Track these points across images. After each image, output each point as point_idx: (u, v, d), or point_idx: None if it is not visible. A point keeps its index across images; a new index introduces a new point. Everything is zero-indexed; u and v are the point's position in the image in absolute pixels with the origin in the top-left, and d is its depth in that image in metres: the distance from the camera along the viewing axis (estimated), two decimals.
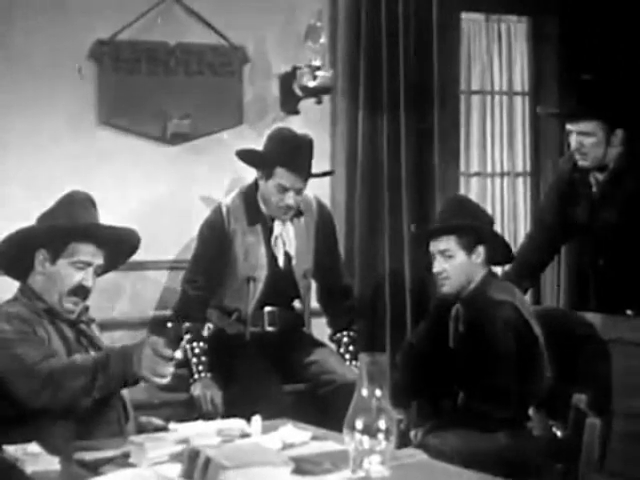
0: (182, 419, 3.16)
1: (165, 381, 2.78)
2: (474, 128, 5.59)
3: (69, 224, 3.11)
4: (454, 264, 3.79)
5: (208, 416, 3.94)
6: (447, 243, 3.80)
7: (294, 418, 3.07)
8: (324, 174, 4.49)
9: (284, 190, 4.19)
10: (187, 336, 2.79)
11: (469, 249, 3.79)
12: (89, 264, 3.11)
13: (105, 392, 2.84)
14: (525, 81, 5.70)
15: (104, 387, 2.82)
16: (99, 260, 3.14)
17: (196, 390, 4.17)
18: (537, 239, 4.57)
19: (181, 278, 4.37)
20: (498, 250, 3.88)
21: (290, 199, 4.20)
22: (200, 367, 4.18)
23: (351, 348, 4.38)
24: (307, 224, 4.39)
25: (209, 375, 4.19)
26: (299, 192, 4.23)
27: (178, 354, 2.77)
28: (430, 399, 3.92)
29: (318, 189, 4.54)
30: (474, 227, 3.83)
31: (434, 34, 5.05)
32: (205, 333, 2.81)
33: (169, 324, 2.81)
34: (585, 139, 4.22)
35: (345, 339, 4.41)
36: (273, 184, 4.20)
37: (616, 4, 5.27)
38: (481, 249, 3.81)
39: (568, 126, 4.30)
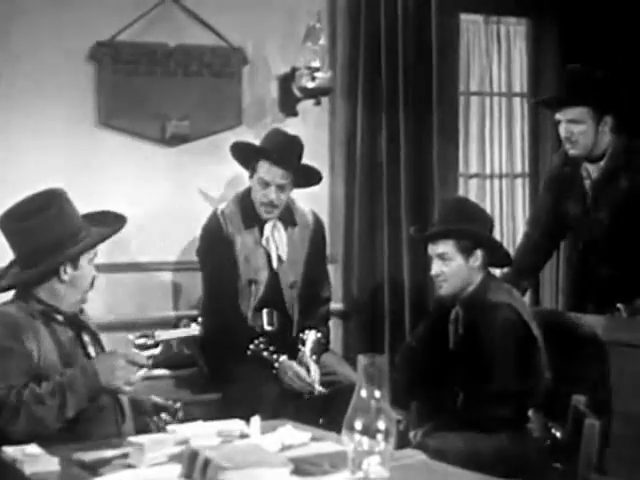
0: (182, 420, 3.17)
1: (131, 389, 2.98)
2: (473, 129, 5.59)
3: (98, 239, 3.16)
4: (452, 267, 3.77)
5: None
6: (445, 247, 3.78)
7: (296, 420, 3.06)
8: (311, 176, 4.36)
9: (266, 185, 4.20)
10: (157, 349, 2.95)
11: (467, 253, 3.78)
12: (95, 254, 3.19)
13: (77, 409, 2.92)
14: (524, 82, 5.71)
15: (75, 405, 2.91)
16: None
17: None
18: (534, 237, 4.57)
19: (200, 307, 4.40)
20: (496, 254, 3.87)
21: (272, 194, 4.19)
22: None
23: (312, 347, 4.24)
24: (302, 237, 4.38)
25: None
26: (282, 189, 4.22)
27: (150, 362, 2.99)
28: (429, 400, 3.93)
29: (318, 188, 4.54)
30: (471, 232, 3.81)
31: (433, 35, 5.04)
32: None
33: (130, 336, 3.01)
34: (574, 127, 4.20)
35: (312, 337, 4.28)
36: (256, 179, 4.23)
37: (615, 5, 5.27)
38: (479, 253, 3.79)
39: (557, 116, 4.28)
